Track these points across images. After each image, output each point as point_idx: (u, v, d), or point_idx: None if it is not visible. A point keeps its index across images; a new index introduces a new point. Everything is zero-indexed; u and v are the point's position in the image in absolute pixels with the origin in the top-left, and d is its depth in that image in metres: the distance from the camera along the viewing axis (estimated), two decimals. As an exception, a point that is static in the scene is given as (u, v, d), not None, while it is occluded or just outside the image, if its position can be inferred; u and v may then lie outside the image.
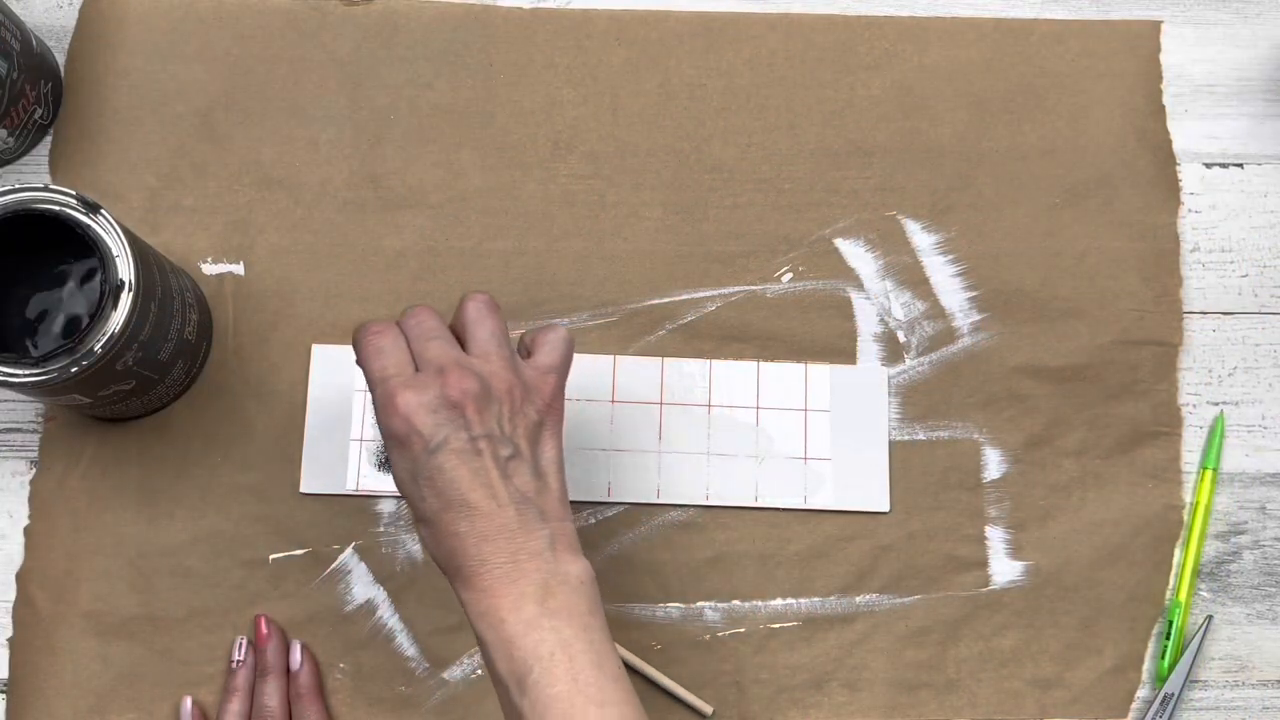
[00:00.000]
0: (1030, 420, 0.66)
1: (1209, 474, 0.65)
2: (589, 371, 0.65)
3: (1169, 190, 0.69)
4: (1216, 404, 0.67)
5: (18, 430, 0.64)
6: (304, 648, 0.62)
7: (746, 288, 0.67)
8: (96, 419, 0.64)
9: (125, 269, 0.54)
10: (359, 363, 0.52)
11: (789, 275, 0.67)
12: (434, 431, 0.49)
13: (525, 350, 0.54)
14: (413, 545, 0.64)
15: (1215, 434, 0.66)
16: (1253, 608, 0.65)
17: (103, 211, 0.54)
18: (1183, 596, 0.64)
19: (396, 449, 0.50)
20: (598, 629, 0.49)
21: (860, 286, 0.67)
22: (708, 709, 0.63)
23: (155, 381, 0.60)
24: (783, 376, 0.66)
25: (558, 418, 0.53)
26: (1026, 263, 0.67)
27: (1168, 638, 0.64)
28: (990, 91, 0.69)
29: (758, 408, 0.65)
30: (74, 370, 0.53)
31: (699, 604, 0.64)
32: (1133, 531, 0.65)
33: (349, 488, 0.64)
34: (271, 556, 0.63)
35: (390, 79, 0.68)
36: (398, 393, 0.49)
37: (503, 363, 0.51)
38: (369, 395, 0.64)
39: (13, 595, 0.62)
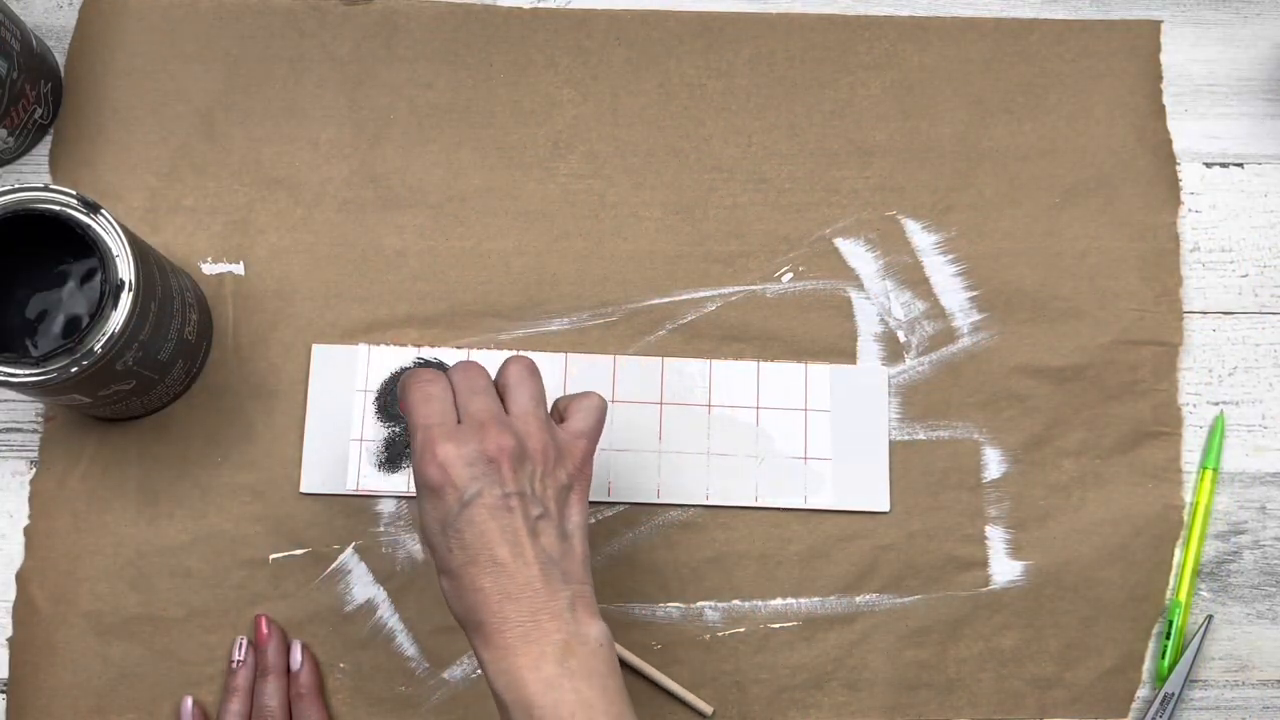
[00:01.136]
0: (1030, 420, 0.66)
1: (1209, 474, 0.65)
2: (589, 371, 0.65)
3: (1169, 190, 0.69)
4: (1216, 404, 0.67)
5: (18, 430, 0.64)
6: (304, 648, 0.62)
7: (746, 288, 0.67)
8: (96, 419, 0.64)
9: (125, 269, 0.54)
10: (403, 407, 0.53)
11: (789, 275, 0.67)
12: (469, 484, 0.50)
13: (559, 415, 0.55)
14: (413, 545, 0.64)
15: (1215, 434, 0.66)
16: (1253, 608, 0.65)
17: (103, 211, 0.54)
18: (1183, 596, 0.64)
19: (429, 497, 0.50)
20: (615, 690, 0.49)
21: (860, 286, 0.67)
22: (708, 709, 0.63)
23: (155, 381, 0.60)
24: (783, 376, 0.66)
25: (586, 482, 0.54)
26: (1026, 263, 0.67)
27: (1168, 638, 0.64)
28: (990, 91, 0.69)
29: (758, 408, 0.65)
30: (74, 370, 0.53)
31: (699, 604, 0.64)
32: (1133, 531, 0.65)
33: (349, 488, 0.64)
34: (271, 556, 0.63)
35: (390, 79, 0.68)
36: (438, 442, 0.50)
37: (539, 424, 0.52)
38: (369, 395, 0.64)
39: (13, 595, 0.62)
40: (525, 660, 0.48)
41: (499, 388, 0.54)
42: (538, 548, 0.50)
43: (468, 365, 0.54)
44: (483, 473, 0.50)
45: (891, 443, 0.65)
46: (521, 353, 0.55)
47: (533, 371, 0.54)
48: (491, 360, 0.65)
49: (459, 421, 0.51)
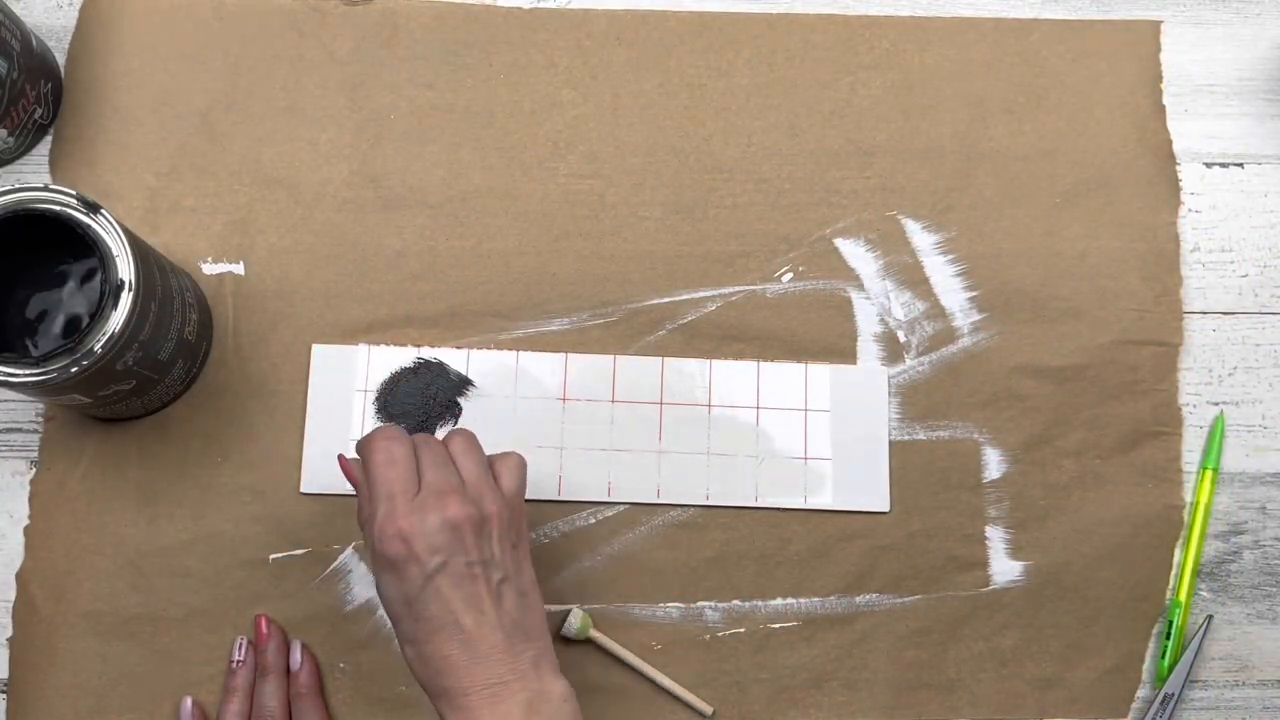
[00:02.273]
0: (1030, 420, 0.66)
1: (1209, 474, 0.65)
2: (589, 371, 0.65)
3: (1169, 190, 0.69)
4: (1216, 404, 0.67)
5: (18, 430, 0.64)
6: (304, 648, 0.62)
7: (746, 288, 0.67)
8: (96, 419, 0.64)
9: (125, 269, 0.54)
10: (365, 464, 0.53)
11: (789, 275, 0.67)
12: (432, 557, 0.50)
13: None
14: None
15: (1215, 434, 0.66)
16: (1253, 608, 0.65)
17: (103, 211, 0.54)
18: (1183, 596, 0.64)
19: (389, 571, 0.51)
20: None
21: (860, 286, 0.67)
22: (708, 709, 0.63)
23: (155, 381, 0.60)
24: (783, 376, 0.66)
25: (527, 540, 0.55)
26: (1026, 263, 0.67)
27: (1168, 638, 0.64)
28: (990, 91, 0.69)
29: (758, 408, 0.65)
30: (74, 370, 0.53)
31: (699, 604, 0.64)
32: (1133, 531, 0.65)
33: (349, 488, 0.63)
34: (271, 556, 0.63)
35: (390, 79, 0.68)
36: (400, 515, 0.50)
37: (491, 490, 0.53)
38: (369, 395, 0.64)
39: (13, 595, 0.62)
40: None
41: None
42: (501, 611, 0.51)
43: (422, 435, 0.54)
44: (445, 543, 0.50)
45: (891, 443, 0.65)
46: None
47: (475, 441, 0.55)
48: (492, 360, 0.65)
49: (419, 489, 0.52)
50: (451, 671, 0.50)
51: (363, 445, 0.54)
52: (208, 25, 0.68)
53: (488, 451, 0.56)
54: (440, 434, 0.64)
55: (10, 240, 0.56)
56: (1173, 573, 0.65)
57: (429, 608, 0.50)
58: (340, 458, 0.55)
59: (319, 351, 0.65)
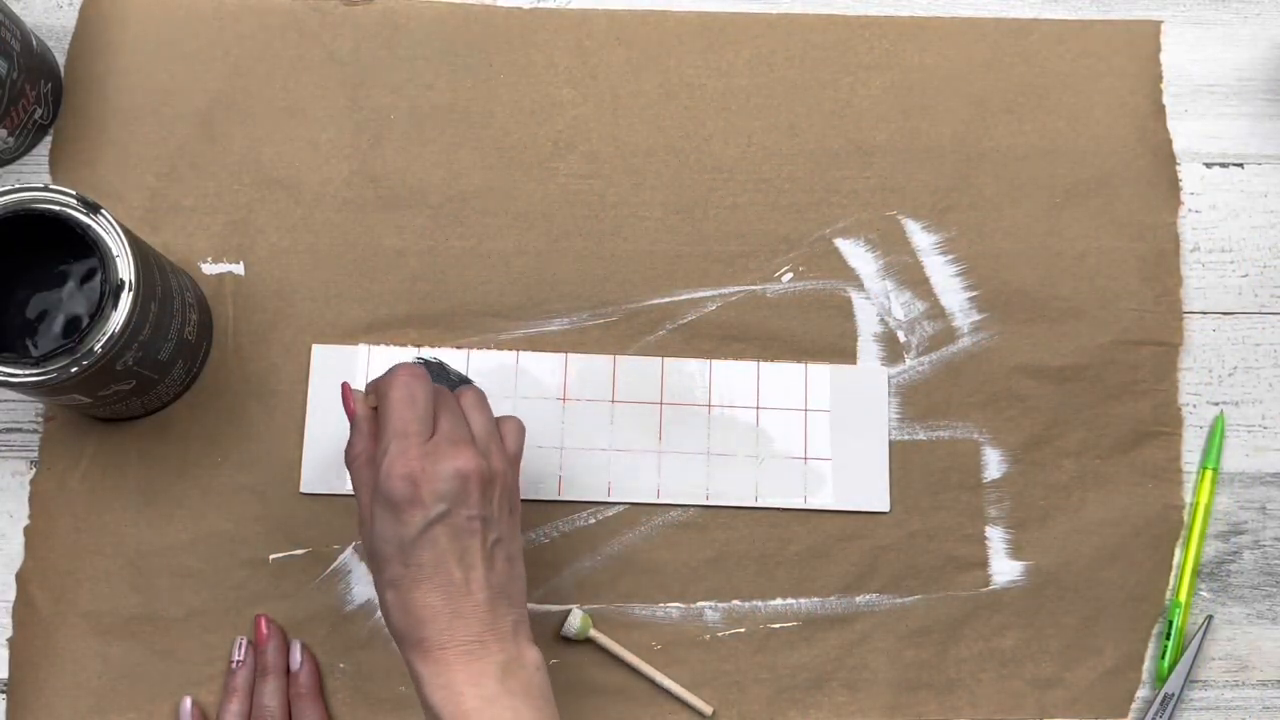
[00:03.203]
0: (1030, 420, 0.66)
1: (1209, 474, 0.65)
2: (589, 371, 0.65)
3: (1169, 190, 0.69)
4: (1216, 404, 0.67)
5: (18, 430, 0.64)
6: (304, 648, 0.62)
7: (746, 288, 0.67)
8: (96, 419, 0.64)
9: (125, 269, 0.54)
10: (382, 399, 0.52)
11: (789, 275, 0.67)
12: (436, 503, 0.49)
13: None
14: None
15: (1215, 434, 0.66)
16: (1253, 608, 0.65)
17: (103, 211, 0.54)
18: (1183, 596, 0.64)
19: (387, 511, 0.50)
20: (550, 715, 0.50)
21: (860, 286, 0.67)
22: (708, 709, 0.63)
23: (155, 381, 0.60)
24: (783, 376, 0.66)
25: (519, 507, 0.54)
26: (1026, 263, 0.67)
27: (1168, 638, 0.64)
28: (990, 91, 0.69)
29: (758, 408, 0.65)
30: (74, 370, 0.53)
31: (699, 604, 0.64)
32: (1133, 531, 0.65)
33: (349, 488, 0.63)
34: (271, 556, 0.63)
35: (390, 79, 0.68)
36: (414, 457, 0.50)
37: (499, 449, 0.53)
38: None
39: (13, 595, 0.62)
40: (466, 677, 0.49)
41: None
42: (491, 572, 0.50)
43: (439, 386, 0.54)
44: (452, 492, 0.49)
45: (891, 443, 0.65)
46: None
47: (485, 399, 0.55)
48: (492, 360, 0.65)
49: (432, 434, 0.51)
50: (432, 622, 0.49)
51: (382, 380, 0.53)
52: (208, 25, 0.68)
53: None
54: None
55: (10, 240, 0.56)
56: (1173, 573, 0.65)
57: (422, 554, 0.49)
58: (344, 386, 0.54)
59: (319, 351, 0.65)
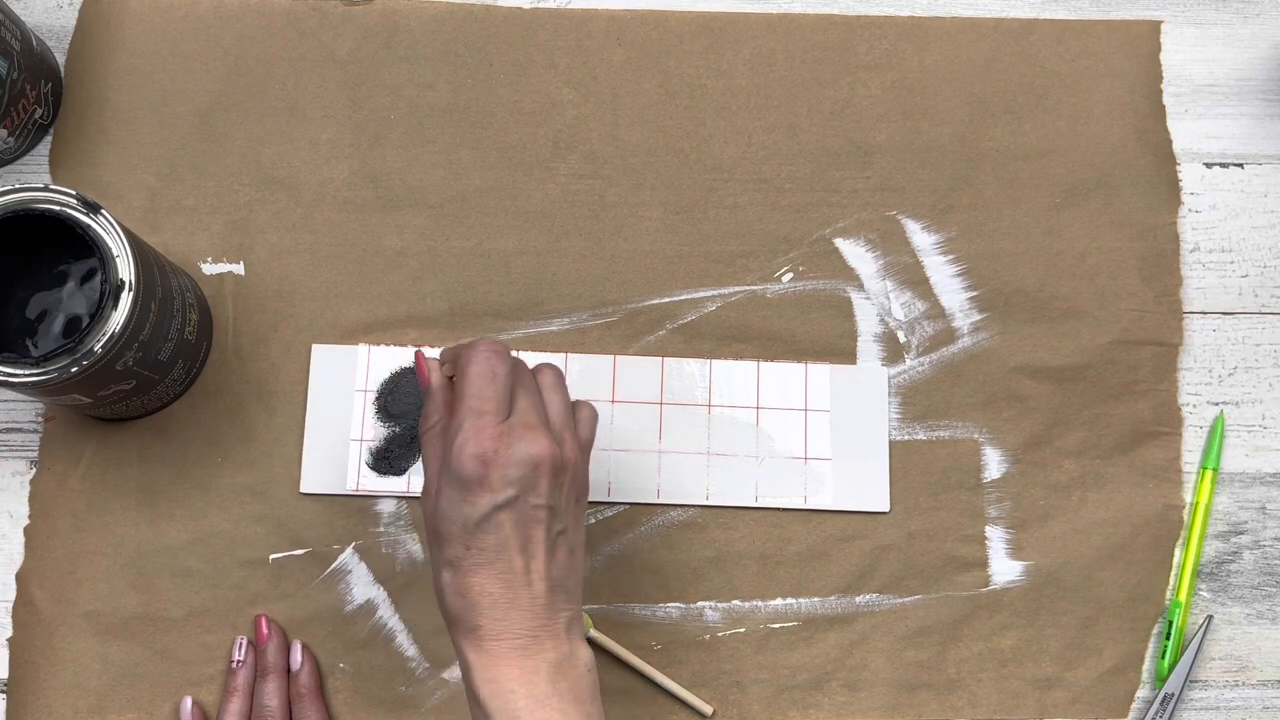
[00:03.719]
0: (1030, 420, 0.66)
1: (1209, 474, 0.65)
2: (589, 371, 0.65)
3: (1169, 190, 0.69)
4: (1216, 404, 0.67)
5: (18, 430, 0.64)
6: (304, 648, 0.62)
7: (746, 288, 0.67)
8: (96, 419, 0.64)
9: (125, 269, 0.54)
10: (461, 373, 0.50)
11: (789, 275, 0.67)
12: (505, 487, 0.48)
13: None
14: (413, 545, 0.63)
15: (1215, 434, 0.66)
16: (1253, 608, 0.65)
17: (103, 211, 0.54)
18: (1183, 596, 0.64)
19: (455, 489, 0.48)
20: (599, 716, 0.49)
21: (860, 286, 0.67)
22: (708, 709, 0.63)
23: (155, 381, 0.60)
24: (783, 376, 0.66)
25: (586, 498, 0.53)
26: (1026, 263, 0.67)
27: (1168, 638, 0.64)
28: (990, 91, 0.69)
29: (758, 408, 0.65)
30: (74, 370, 0.53)
31: (699, 604, 0.64)
32: (1133, 531, 0.65)
33: (349, 488, 0.63)
34: (271, 556, 0.63)
35: (390, 79, 0.68)
36: (488, 434, 0.48)
37: (573, 436, 0.51)
38: (369, 395, 0.64)
39: (13, 595, 0.62)
40: (517, 673, 0.48)
41: None
42: (553, 563, 0.49)
43: (520, 360, 0.52)
44: (522, 477, 0.48)
45: (891, 443, 0.65)
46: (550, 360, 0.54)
47: (563, 380, 0.53)
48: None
49: (509, 413, 0.50)
50: (489, 610, 0.48)
51: (463, 352, 0.51)
52: (208, 25, 0.68)
53: None
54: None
55: (10, 240, 0.56)
56: (1173, 573, 0.65)
57: (487, 538, 0.48)
58: (418, 354, 0.53)
59: (319, 351, 0.65)
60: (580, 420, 0.53)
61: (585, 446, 0.53)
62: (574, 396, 0.64)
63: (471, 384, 0.50)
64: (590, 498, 0.64)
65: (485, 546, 0.48)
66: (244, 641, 0.62)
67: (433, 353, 0.65)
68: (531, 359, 0.65)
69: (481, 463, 0.48)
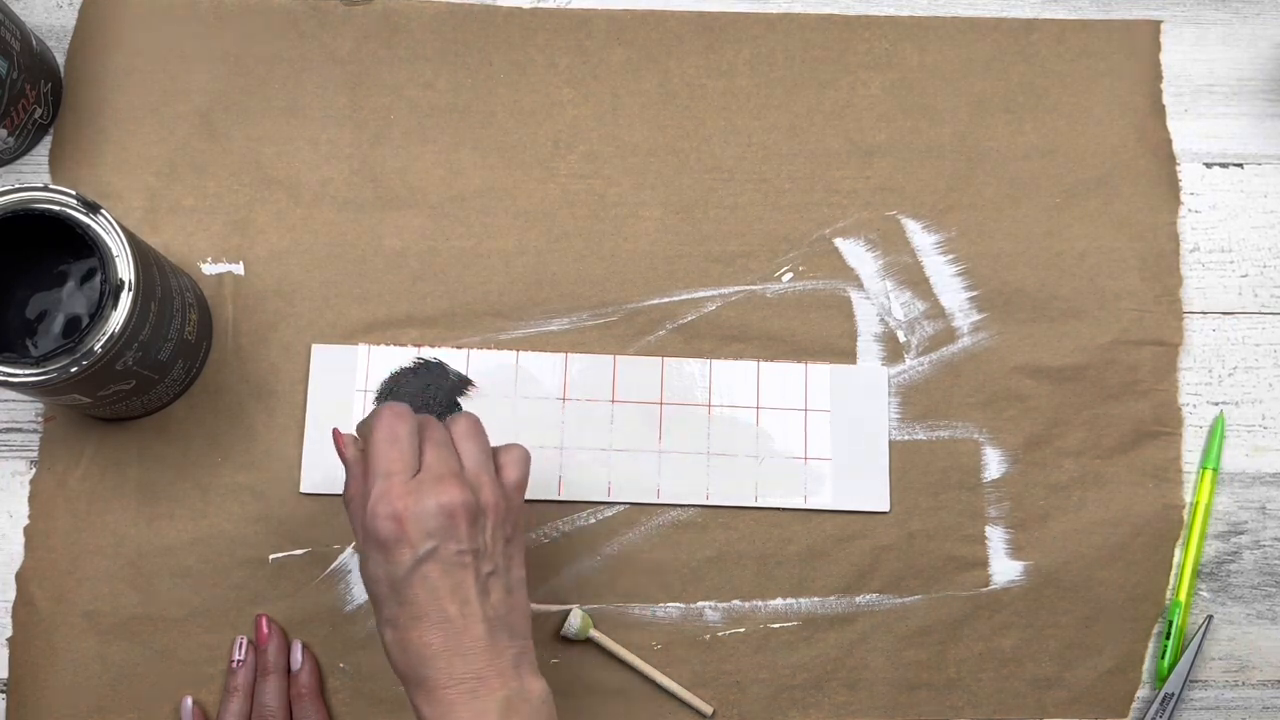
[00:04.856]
0: (1030, 420, 0.66)
1: (1209, 474, 0.65)
2: (589, 371, 0.65)
3: (1169, 190, 0.69)
4: (1216, 404, 0.67)
5: (18, 430, 0.64)
6: (304, 648, 0.62)
7: (746, 288, 0.67)
8: (96, 419, 0.64)
9: (125, 269, 0.54)
10: (367, 440, 0.52)
11: (789, 275, 0.67)
12: (424, 541, 0.49)
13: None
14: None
15: (1215, 434, 0.66)
16: (1253, 608, 0.65)
17: (103, 211, 0.54)
18: (1183, 596, 0.64)
19: (377, 551, 0.50)
20: None
21: (860, 286, 0.67)
22: (708, 709, 0.63)
23: (155, 381, 0.60)
24: (783, 376, 0.66)
25: (523, 535, 0.54)
26: (1026, 263, 0.67)
27: (1168, 638, 0.64)
28: (990, 91, 0.69)
29: (758, 408, 0.65)
30: (74, 370, 0.53)
31: (699, 604, 0.64)
32: (1133, 531, 0.65)
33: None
34: (271, 556, 0.63)
35: (390, 79, 0.68)
36: (396, 495, 0.49)
37: (491, 479, 0.52)
38: (369, 395, 0.64)
39: (13, 595, 0.62)
40: (468, 716, 0.48)
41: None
42: (487, 605, 0.50)
43: (427, 417, 0.54)
44: (439, 528, 0.49)
45: (891, 443, 0.65)
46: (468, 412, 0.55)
47: (480, 426, 0.54)
48: (492, 360, 0.65)
49: (418, 470, 0.51)
50: (431, 661, 0.49)
51: (366, 422, 0.53)
52: (208, 25, 0.68)
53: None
54: None
55: (10, 240, 0.56)
56: (1173, 573, 0.65)
57: (415, 592, 0.49)
58: (335, 431, 0.54)
59: (319, 351, 0.65)
60: (507, 463, 0.54)
61: (516, 486, 0.54)
62: (570, 398, 0.65)
63: (377, 449, 0.51)
64: (590, 498, 0.64)
65: (417, 600, 0.49)
66: (244, 641, 0.62)
67: (434, 352, 0.65)
68: (531, 359, 0.65)
69: (395, 521, 0.49)
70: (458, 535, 0.50)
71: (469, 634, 0.49)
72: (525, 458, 0.55)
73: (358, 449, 0.54)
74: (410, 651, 0.49)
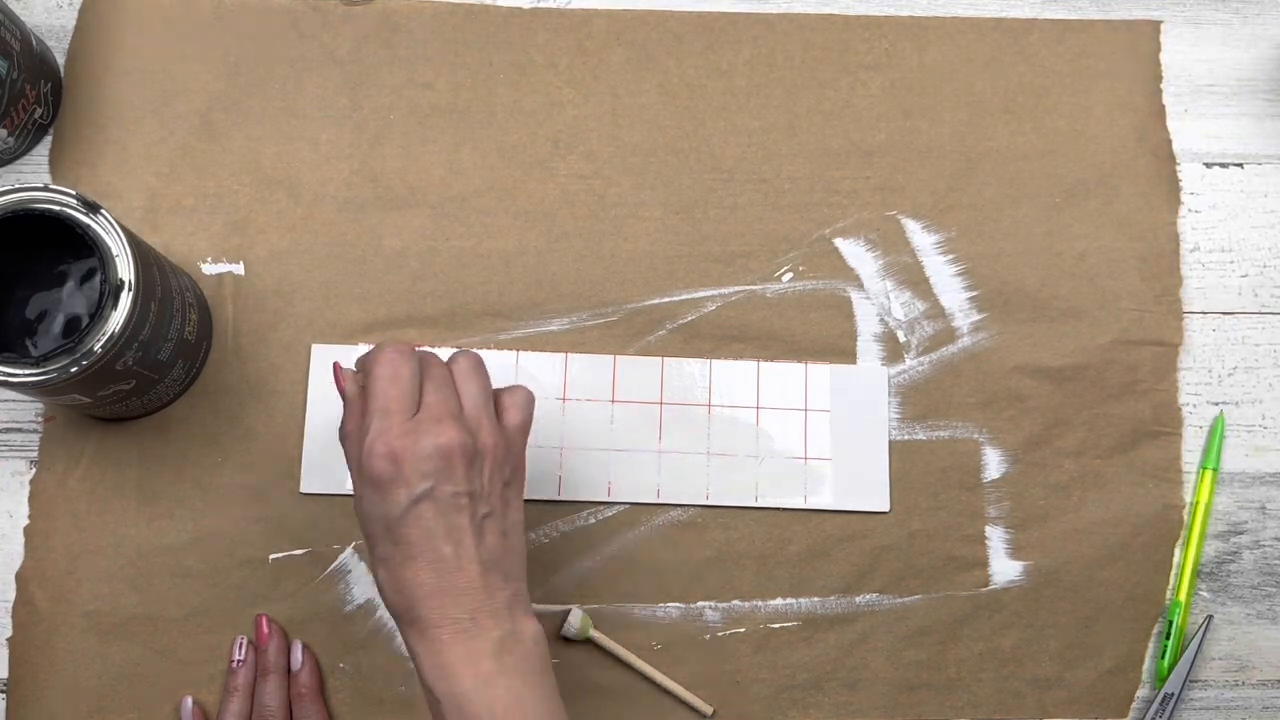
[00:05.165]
0: (1030, 420, 0.66)
1: (1209, 474, 0.65)
2: (589, 371, 0.65)
3: (1169, 190, 0.69)
4: (1216, 404, 0.67)
5: (18, 430, 0.64)
6: (304, 648, 0.62)
7: (746, 288, 0.67)
8: (96, 419, 0.64)
9: (125, 269, 0.54)
10: (367, 376, 0.52)
11: (789, 275, 0.67)
12: (420, 481, 0.49)
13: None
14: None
15: (1215, 434, 0.66)
16: (1253, 608, 0.65)
17: (103, 211, 0.54)
18: (1183, 596, 0.64)
19: (373, 490, 0.49)
20: (548, 687, 0.50)
21: (860, 286, 0.67)
22: (708, 709, 0.63)
23: (155, 381, 0.60)
24: (783, 376, 0.66)
25: (523, 479, 0.54)
26: (1026, 263, 0.67)
27: (1168, 638, 0.64)
28: (990, 91, 0.69)
29: (758, 408, 0.65)
30: (74, 370, 0.53)
31: (699, 604, 0.64)
32: (1133, 531, 0.65)
33: (349, 488, 0.63)
34: (271, 556, 0.63)
35: (390, 79, 0.68)
36: (394, 434, 0.49)
37: (490, 421, 0.52)
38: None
39: (13, 595, 0.62)
40: (460, 655, 0.48)
41: None
42: (481, 546, 0.50)
43: (429, 355, 0.53)
44: (435, 469, 0.49)
45: (891, 443, 0.65)
46: (469, 350, 0.54)
47: (481, 366, 0.54)
48: (492, 360, 0.65)
49: (417, 409, 0.51)
50: (424, 600, 0.49)
51: (367, 358, 0.52)
52: (208, 25, 0.68)
53: None
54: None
55: (10, 240, 0.56)
56: (1173, 573, 0.65)
57: (409, 532, 0.49)
58: (335, 365, 0.54)
59: (319, 351, 0.65)
60: (509, 405, 0.53)
61: (518, 429, 0.53)
62: (570, 398, 0.64)
63: (376, 386, 0.51)
64: (590, 498, 0.64)
65: (411, 540, 0.49)
66: (244, 641, 0.62)
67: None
68: (531, 359, 0.65)
69: (392, 460, 0.49)
70: (454, 477, 0.49)
71: (463, 574, 0.49)
72: (528, 400, 0.54)
73: (357, 385, 0.53)
74: (403, 591, 0.49)
